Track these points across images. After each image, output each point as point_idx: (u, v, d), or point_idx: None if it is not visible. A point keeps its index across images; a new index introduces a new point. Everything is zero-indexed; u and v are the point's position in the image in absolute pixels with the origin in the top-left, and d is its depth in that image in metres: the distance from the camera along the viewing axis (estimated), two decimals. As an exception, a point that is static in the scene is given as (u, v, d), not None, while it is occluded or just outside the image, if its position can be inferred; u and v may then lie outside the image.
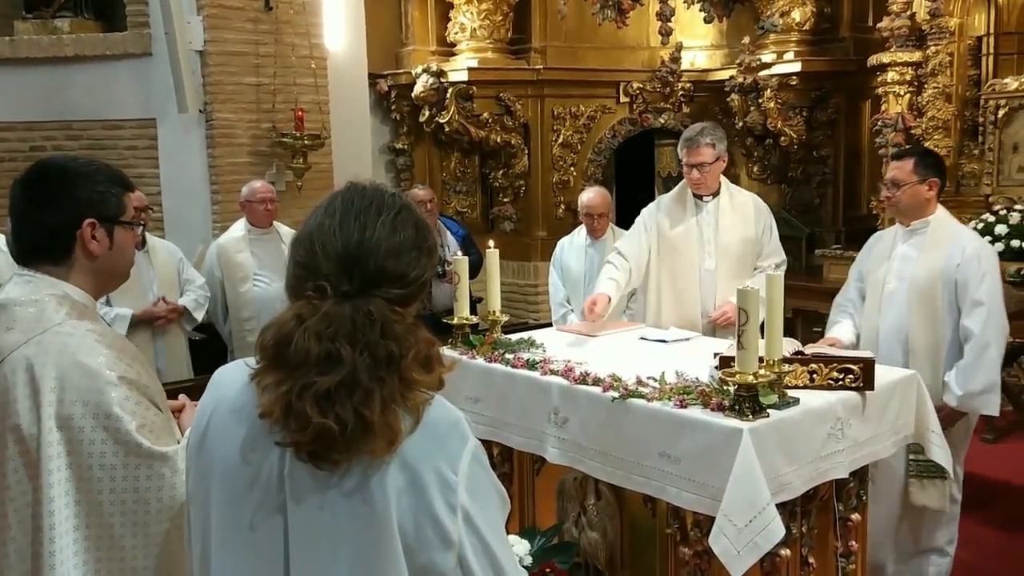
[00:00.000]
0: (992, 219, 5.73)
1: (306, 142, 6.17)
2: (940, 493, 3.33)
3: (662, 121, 8.05)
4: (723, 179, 3.91)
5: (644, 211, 3.91)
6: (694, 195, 3.82)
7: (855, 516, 2.89)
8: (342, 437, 1.17)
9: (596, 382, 2.79)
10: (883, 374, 2.81)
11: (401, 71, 7.63)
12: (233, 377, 1.32)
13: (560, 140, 7.83)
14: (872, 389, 2.68)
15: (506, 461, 3.35)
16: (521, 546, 2.75)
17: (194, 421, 1.34)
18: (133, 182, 4.94)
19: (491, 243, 3.60)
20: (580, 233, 5.16)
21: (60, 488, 1.68)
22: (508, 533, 2.94)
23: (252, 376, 1.24)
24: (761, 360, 2.46)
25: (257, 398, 1.22)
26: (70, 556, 1.68)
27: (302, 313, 1.22)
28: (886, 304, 3.45)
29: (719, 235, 3.79)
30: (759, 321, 2.42)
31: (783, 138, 7.37)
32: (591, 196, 5.00)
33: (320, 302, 1.22)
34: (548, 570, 2.65)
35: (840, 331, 3.57)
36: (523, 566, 2.65)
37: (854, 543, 2.91)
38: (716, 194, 3.83)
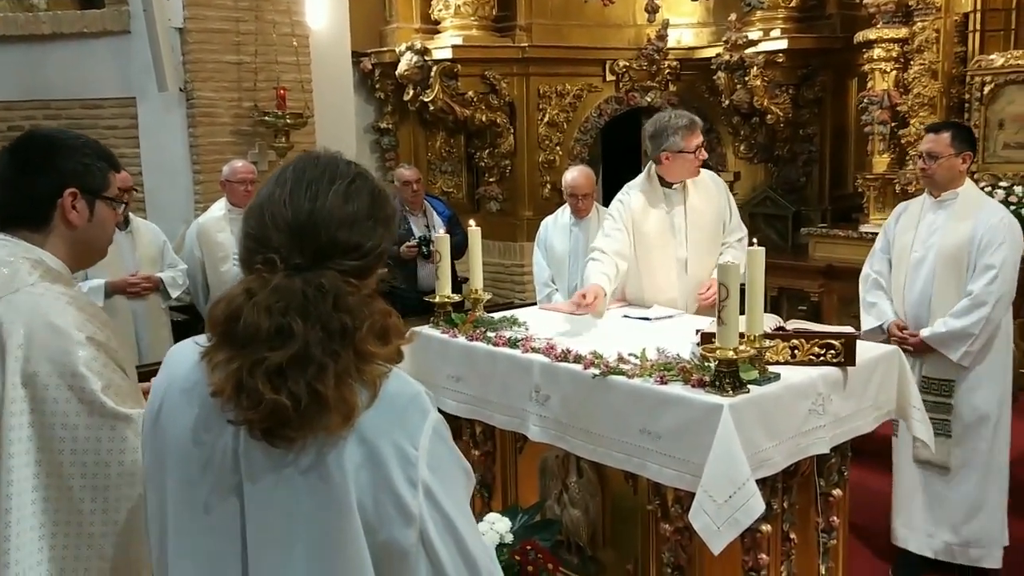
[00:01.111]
0: (977, 196, 5.73)
1: (288, 121, 6.10)
2: (944, 450, 3.41)
3: (648, 100, 8.01)
4: None
5: (615, 208, 3.77)
6: (662, 184, 3.74)
7: (836, 492, 2.89)
8: (296, 413, 1.14)
9: (577, 359, 2.77)
10: (865, 350, 2.80)
11: (385, 49, 7.55)
12: (185, 355, 1.29)
13: (546, 119, 7.78)
14: (853, 364, 2.67)
15: (488, 440, 3.34)
16: (502, 523, 2.74)
17: (148, 401, 1.32)
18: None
19: (472, 222, 3.56)
20: (564, 212, 5.13)
21: (21, 446, 1.67)
22: (491, 511, 2.95)
23: (202, 355, 1.21)
24: (742, 336, 2.45)
25: (208, 377, 1.19)
26: (27, 516, 1.67)
27: (252, 288, 1.19)
28: (912, 272, 3.53)
29: (691, 221, 3.73)
30: (738, 297, 2.40)
31: (769, 116, 7.34)
32: (575, 176, 4.96)
33: (270, 276, 1.19)
34: (529, 547, 2.64)
35: (888, 312, 3.61)
36: (504, 544, 2.66)
37: (835, 519, 2.92)
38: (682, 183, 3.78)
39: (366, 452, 1.17)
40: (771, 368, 2.55)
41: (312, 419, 1.14)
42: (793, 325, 2.85)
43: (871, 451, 3.68)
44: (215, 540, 1.23)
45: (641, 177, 3.81)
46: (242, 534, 1.21)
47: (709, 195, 3.78)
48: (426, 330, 3.37)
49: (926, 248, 3.49)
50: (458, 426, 3.38)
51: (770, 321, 2.74)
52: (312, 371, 1.14)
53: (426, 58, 7.18)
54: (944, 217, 3.49)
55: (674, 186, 3.72)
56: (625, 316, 3.52)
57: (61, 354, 1.69)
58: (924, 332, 3.44)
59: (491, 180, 7.84)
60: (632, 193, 3.77)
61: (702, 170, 3.85)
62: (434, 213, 6.00)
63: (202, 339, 1.25)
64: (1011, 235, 3.40)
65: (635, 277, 3.75)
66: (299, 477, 1.17)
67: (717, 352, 2.39)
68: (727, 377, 2.39)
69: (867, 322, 3.69)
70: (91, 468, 1.70)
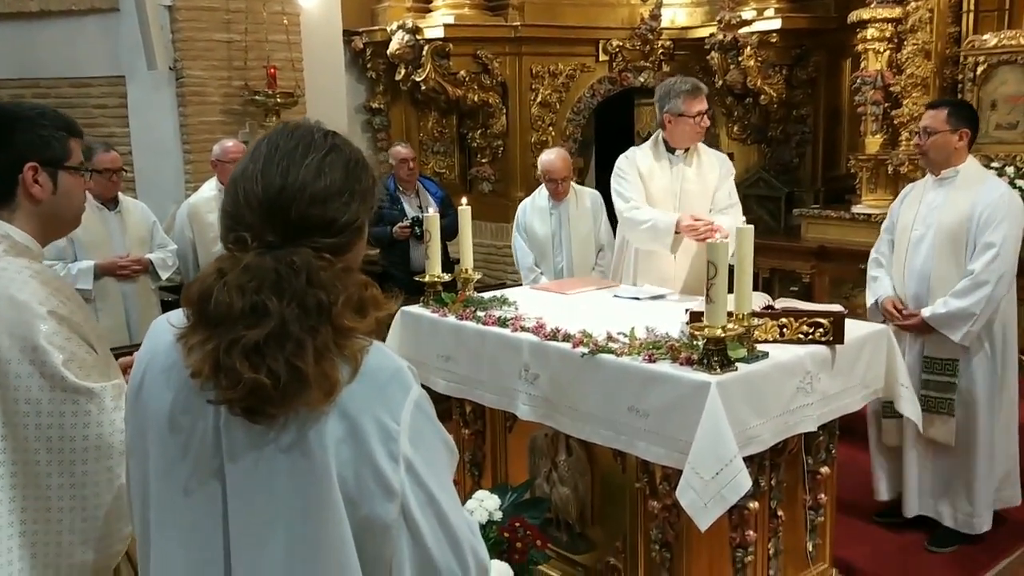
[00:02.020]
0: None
1: (279, 100, 6.07)
2: (948, 429, 3.43)
3: (642, 80, 7.96)
4: None
5: (623, 164, 3.81)
6: (667, 149, 3.77)
7: (824, 469, 2.91)
8: (276, 391, 1.12)
9: (566, 338, 2.78)
10: (853, 328, 2.81)
11: (376, 28, 7.49)
12: (164, 330, 1.27)
13: (538, 99, 7.74)
14: (842, 343, 2.68)
15: (479, 419, 3.35)
16: (491, 501, 2.75)
17: (132, 373, 1.31)
18: (106, 142, 4.85)
19: (464, 201, 3.55)
20: (541, 195, 5.10)
21: None
22: (481, 490, 2.96)
23: (177, 337, 1.19)
24: (731, 314, 2.45)
25: (184, 359, 1.17)
26: None
27: (223, 267, 1.17)
28: (912, 250, 3.53)
29: (686, 189, 3.76)
30: (727, 276, 2.40)
31: (763, 97, 7.31)
32: (552, 159, 4.93)
33: (242, 255, 1.17)
34: (518, 524, 2.66)
35: (886, 287, 3.62)
36: (493, 521, 2.67)
37: (823, 496, 2.94)
38: (685, 149, 3.79)
39: (347, 427, 1.16)
40: (759, 346, 2.55)
41: (293, 396, 1.13)
42: (782, 304, 2.85)
43: (860, 430, 3.71)
44: (198, 517, 1.22)
45: (649, 141, 3.88)
46: (224, 511, 1.21)
47: (711, 167, 3.81)
48: (416, 310, 3.36)
49: (926, 226, 3.49)
50: (448, 406, 3.40)
51: (759, 300, 2.74)
52: (290, 347, 1.13)
53: (417, 37, 7.13)
54: (944, 195, 3.48)
55: (677, 152, 3.74)
56: (615, 296, 3.52)
57: (22, 328, 1.67)
58: (925, 312, 3.42)
59: (483, 161, 7.81)
60: (639, 153, 3.84)
61: (708, 149, 3.86)
62: (427, 194, 5.98)
63: (175, 317, 1.23)
64: (1011, 211, 3.37)
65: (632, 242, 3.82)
66: (281, 455, 1.16)
67: (705, 330, 2.39)
68: (715, 355, 2.39)
69: (868, 299, 3.71)
70: (56, 443, 1.69)
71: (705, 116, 3.69)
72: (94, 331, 1.83)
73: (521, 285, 4.50)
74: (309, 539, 1.17)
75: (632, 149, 3.90)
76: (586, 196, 5.10)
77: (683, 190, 3.76)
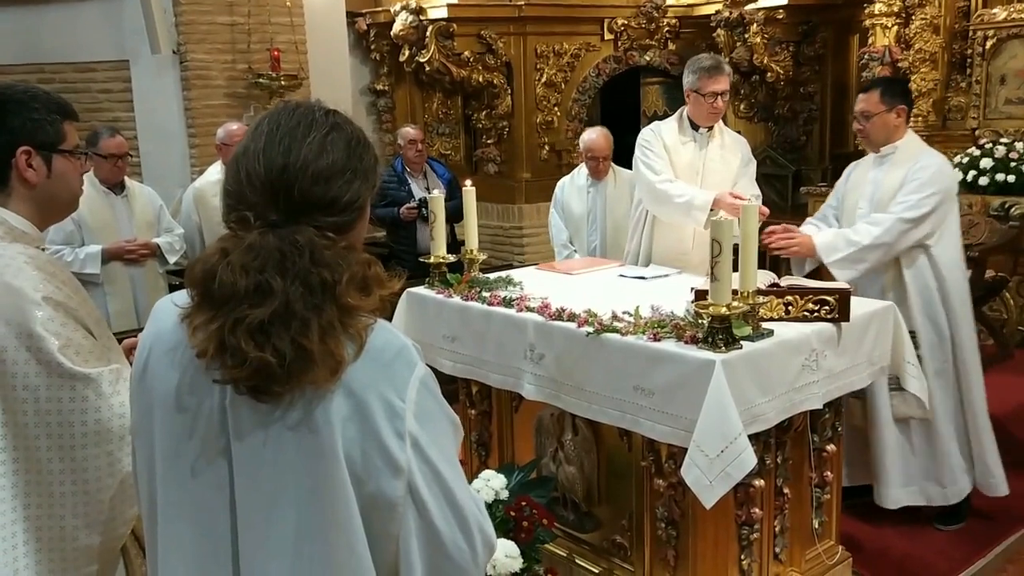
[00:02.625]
0: (977, 152, 5.69)
1: (283, 83, 6.05)
2: (920, 403, 3.31)
3: (647, 59, 7.92)
4: None
5: (648, 136, 3.78)
6: (692, 126, 3.75)
7: (830, 447, 2.91)
8: (282, 369, 1.12)
9: (571, 318, 2.77)
10: (859, 305, 2.80)
11: (380, 8, 7.46)
12: (168, 312, 1.27)
13: (543, 79, 7.70)
14: (847, 320, 2.67)
15: (485, 399, 3.36)
16: (497, 480, 2.76)
17: (136, 355, 1.31)
18: (112, 126, 4.83)
19: (468, 182, 3.54)
20: (580, 174, 5.09)
21: None
22: (487, 469, 2.97)
23: (182, 317, 1.19)
24: (736, 292, 2.44)
25: (189, 339, 1.17)
26: None
27: (226, 247, 1.17)
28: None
29: (710, 168, 3.75)
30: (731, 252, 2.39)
31: (769, 74, 7.27)
32: (595, 138, 4.91)
33: (245, 234, 1.17)
34: (524, 503, 2.67)
35: (807, 228, 3.60)
36: (500, 500, 2.68)
37: (829, 474, 2.94)
38: (709, 127, 3.77)
39: (353, 405, 1.17)
40: (765, 324, 2.55)
41: (299, 374, 1.13)
42: (787, 281, 2.84)
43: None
44: (205, 498, 1.23)
45: (674, 115, 3.88)
46: (231, 490, 1.21)
47: (733, 150, 3.82)
48: (421, 291, 3.37)
49: (868, 203, 3.46)
50: (454, 387, 3.40)
51: (764, 278, 2.73)
52: (296, 326, 1.13)
53: (421, 18, 7.10)
54: (884, 171, 3.47)
55: (701, 129, 3.73)
56: (621, 275, 3.51)
57: (17, 314, 1.68)
58: (815, 237, 3.33)
59: (488, 142, 7.78)
60: (663, 127, 3.83)
61: (731, 131, 3.83)
62: (435, 175, 5.97)
63: (180, 297, 1.23)
64: (936, 181, 3.30)
65: (650, 217, 3.84)
66: (287, 433, 1.17)
67: (710, 308, 2.39)
68: (720, 333, 2.39)
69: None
70: (55, 429, 1.70)
71: (720, 98, 3.65)
72: (92, 315, 1.83)
73: (527, 266, 4.50)
74: (317, 517, 1.18)
75: (656, 123, 3.89)
76: (624, 177, 5.06)
77: (706, 168, 3.74)
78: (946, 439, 3.43)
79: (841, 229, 3.39)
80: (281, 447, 1.17)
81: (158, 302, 1.32)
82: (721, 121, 3.89)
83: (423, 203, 5.66)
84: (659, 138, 3.77)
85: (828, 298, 2.65)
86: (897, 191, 3.34)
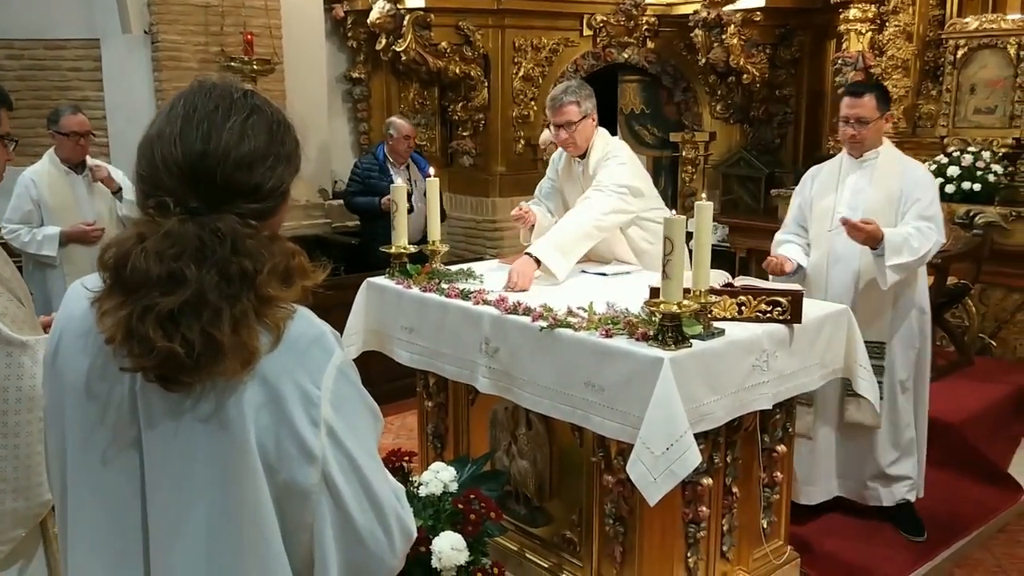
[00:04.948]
0: (945, 160, 5.74)
1: (255, 67, 5.99)
2: (873, 412, 3.37)
3: (625, 56, 7.92)
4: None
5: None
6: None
7: (780, 448, 2.93)
8: (190, 360, 1.10)
9: (527, 312, 2.77)
10: (813, 308, 2.82)
11: (358, -4, 7.39)
12: (80, 296, 1.23)
13: (521, 73, 7.67)
14: (799, 322, 2.69)
15: (441, 391, 3.35)
16: (447, 472, 2.76)
17: (48, 338, 1.29)
18: (76, 105, 4.76)
19: (431, 170, 3.52)
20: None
21: None
22: (443, 462, 2.96)
23: (92, 301, 1.16)
24: (688, 291, 2.45)
25: (98, 323, 1.15)
26: None
27: (143, 232, 1.14)
28: (836, 233, 3.44)
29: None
30: (685, 252, 2.40)
31: (745, 76, 7.29)
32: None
33: (163, 220, 1.14)
34: (472, 496, 2.66)
35: (789, 250, 3.57)
36: (448, 492, 2.67)
37: (779, 474, 2.96)
38: (583, 155, 3.69)
39: (267, 393, 1.15)
40: (717, 324, 2.55)
41: (208, 365, 1.11)
42: (741, 282, 2.85)
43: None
44: (116, 485, 1.21)
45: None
46: (141, 479, 1.19)
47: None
48: (381, 280, 3.35)
49: (851, 209, 3.42)
50: (412, 380, 3.39)
51: (718, 277, 2.74)
52: (207, 316, 1.11)
53: (399, 6, 7.04)
54: (868, 177, 3.46)
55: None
56: (583, 271, 3.51)
57: None
58: (887, 230, 3.27)
59: (464, 134, 7.75)
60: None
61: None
62: (417, 168, 5.94)
63: (91, 281, 1.21)
64: (935, 191, 3.44)
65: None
66: (199, 425, 1.15)
67: (661, 306, 2.39)
68: (670, 331, 2.39)
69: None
70: None
71: (563, 129, 3.57)
72: (21, 287, 1.84)
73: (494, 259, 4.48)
74: (227, 506, 1.16)
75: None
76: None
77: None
78: (901, 446, 3.52)
79: (904, 231, 3.28)
80: (192, 439, 1.16)
81: (71, 286, 1.29)
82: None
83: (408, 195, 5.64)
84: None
85: (781, 299, 2.66)
86: (895, 201, 3.37)
